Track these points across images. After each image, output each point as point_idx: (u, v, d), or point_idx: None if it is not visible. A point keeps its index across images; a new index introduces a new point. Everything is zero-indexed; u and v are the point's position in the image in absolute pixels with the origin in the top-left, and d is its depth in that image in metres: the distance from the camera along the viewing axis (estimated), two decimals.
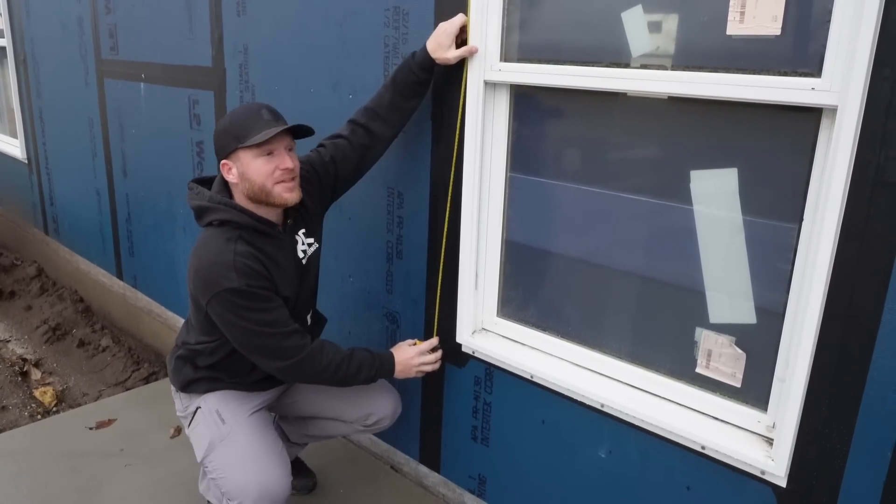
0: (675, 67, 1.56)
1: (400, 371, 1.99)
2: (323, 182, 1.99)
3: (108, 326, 4.18)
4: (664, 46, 1.59)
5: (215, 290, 1.70)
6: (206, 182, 1.89)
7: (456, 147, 1.98)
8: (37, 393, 3.52)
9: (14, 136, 5.23)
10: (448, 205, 2.04)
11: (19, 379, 3.67)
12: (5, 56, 4.99)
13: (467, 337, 2.06)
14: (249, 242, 1.76)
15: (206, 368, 1.92)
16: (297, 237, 1.91)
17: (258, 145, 1.71)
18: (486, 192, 1.99)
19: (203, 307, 1.76)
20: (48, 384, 3.64)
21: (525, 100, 1.90)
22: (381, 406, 2.07)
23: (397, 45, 2.10)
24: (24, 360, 3.86)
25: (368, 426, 2.08)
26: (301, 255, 1.92)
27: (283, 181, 1.75)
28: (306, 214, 1.96)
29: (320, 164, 1.98)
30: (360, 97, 2.23)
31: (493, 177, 1.98)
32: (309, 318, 2.06)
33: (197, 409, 1.95)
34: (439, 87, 2.01)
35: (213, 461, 1.86)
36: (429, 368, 2.03)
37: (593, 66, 1.69)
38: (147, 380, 3.52)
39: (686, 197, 1.61)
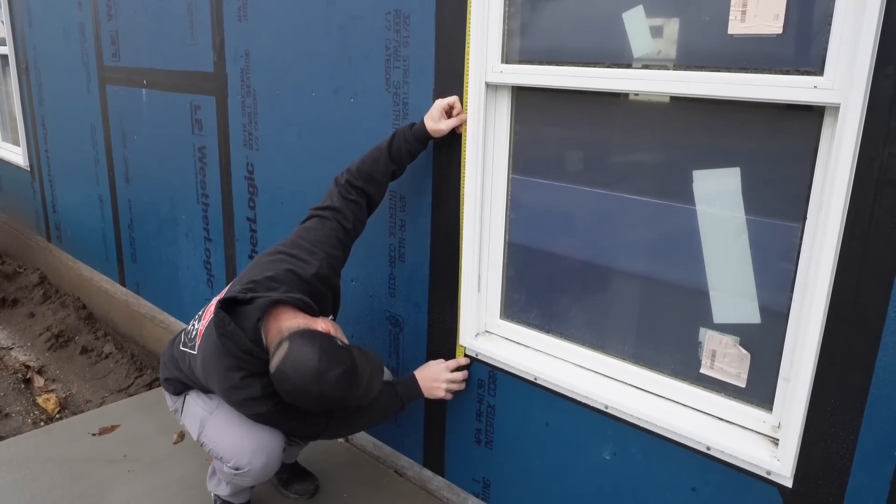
0: (676, 67, 1.56)
1: (427, 389, 2.01)
2: (338, 265, 1.95)
3: (111, 333, 4.18)
4: (666, 46, 1.59)
5: (252, 412, 1.77)
6: (233, 306, 1.73)
7: (463, 148, 1.98)
8: (40, 400, 3.51)
9: (16, 143, 5.24)
10: (450, 207, 2.04)
11: (22, 386, 3.67)
12: (7, 64, 5.00)
13: (470, 339, 2.06)
14: None
15: (198, 389, 1.98)
16: None
17: None
18: (488, 194, 1.99)
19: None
20: (51, 391, 3.64)
21: (527, 101, 1.90)
22: None
23: (398, 49, 2.10)
24: (27, 367, 3.86)
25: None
26: None
27: None
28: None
29: (345, 236, 1.92)
30: (361, 101, 2.24)
31: (495, 179, 1.98)
32: None
33: (185, 397, 1.99)
34: (440, 90, 2.01)
35: (207, 434, 1.91)
36: (456, 388, 2.04)
37: (595, 66, 1.69)
38: (150, 386, 3.52)
39: (689, 197, 1.61)
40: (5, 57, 5.02)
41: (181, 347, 1.97)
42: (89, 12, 3.71)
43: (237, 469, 1.87)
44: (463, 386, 2.07)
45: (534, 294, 2.00)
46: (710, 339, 1.63)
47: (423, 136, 1.94)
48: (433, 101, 2.04)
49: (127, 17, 3.38)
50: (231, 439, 1.86)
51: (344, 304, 2.50)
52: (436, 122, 1.92)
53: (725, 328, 1.60)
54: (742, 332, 1.58)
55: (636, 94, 1.67)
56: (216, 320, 1.69)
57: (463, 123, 1.94)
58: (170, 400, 2.06)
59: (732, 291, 1.58)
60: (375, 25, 2.14)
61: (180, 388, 2.02)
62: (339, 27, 2.25)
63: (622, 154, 1.75)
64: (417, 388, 2.01)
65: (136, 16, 3.31)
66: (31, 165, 4.94)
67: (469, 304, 2.05)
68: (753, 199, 1.52)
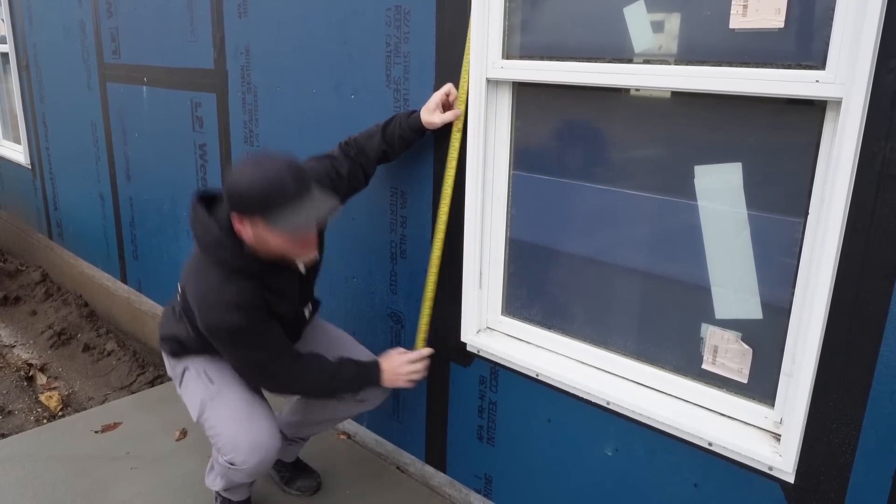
0: (677, 62, 1.56)
1: (388, 379, 1.97)
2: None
3: (113, 330, 4.19)
4: (667, 41, 1.59)
5: (216, 325, 1.73)
6: (210, 200, 1.79)
7: (452, 146, 1.98)
8: (42, 398, 3.52)
9: (17, 141, 5.25)
10: (451, 204, 2.03)
11: (25, 384, 3.68)
12: (8, 62, 5.00)
13: (472, 336, 2.06)
14: (255, 275, 1.74)
15: (195, 349, 1.96)
16: None
17: None
18: (489, 190, 1.98)
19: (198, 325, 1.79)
20: (54, 389, 3.65)
21: (528, 97, 1.89)
22: None
23: (399, 45, 2.09)
24: (30, 365, 3.87)
25: (359, 401, 2.07)
26: (303, 269, 1.90)
27: (303, 251, 1.73)
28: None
29: (336, 177, 1.94)
30: (361, 97, 2.23)
31: (496, 175, 1.97)
32: (307, 310, 2.06)
33: (185, 369, 1.98)
34: (441, 84, 2.01)
35: (207, 419, 1.93)
36: (418, 377, 2.01)
37: (596, 62, 1.68)
38: (152, 383, 3.52)
39: (691, 192, 1.61)
40: (6, 55, 5.02)
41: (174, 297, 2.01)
42: (89, 9, 3.71)
43: (232, 464, 1.87)
44: (425, 374, 2.03)
45: (535, 290, 2.00)
46: (712, 335, 1.62)
47: (417, 126, 1.95)
48: None
49: (127, 14, 3.38)
50: (230, 431, 1.87)
51: (345, 301, 2.50)
52: (430, 114, 1.93)
53: (727, 324, 1.60)
54: (744, 328, 1.58)
55: (637, 90, 1.66)
56: (190, 212, 1.75)
57: (457, 119, 1.93)
58: (169, 365, 2.04)
59: (734, 287, 1.57)
60: (376, 21, 2.13)
61: (176, 347, 1.97)
62: (339, 23, 2.25)
63: (623, 149, 1.75)
64: (379, 375, 1.96)
65: (136, 13, 3.31)
66: (32, 163, 4.95)
67: (470, 301, 2.05)
68: (755, 194, 1.52)
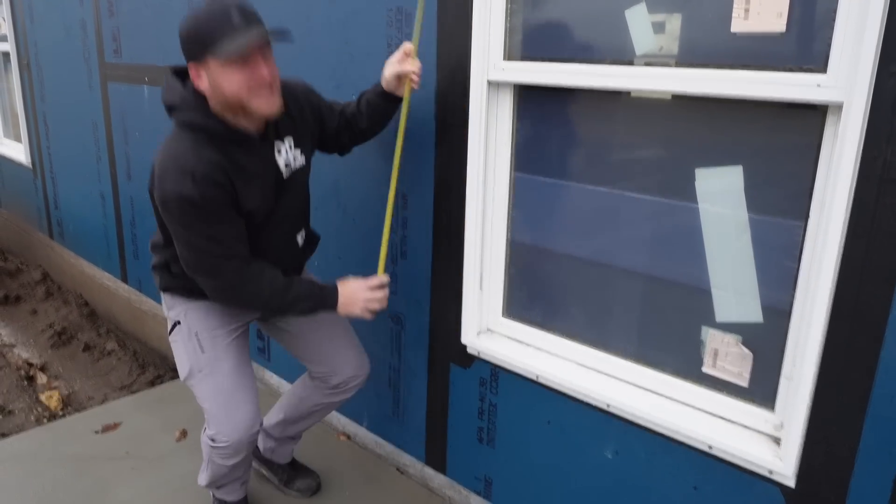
0: (679, 65, 1.56)
1: (344, 304, 1.87)
2: (324, 115, 1.95)
3: (114, 330, 4.19)
4: (668, 44, 1.59)
5: (169, 194, 1.63)
6: (185, 73, 1.72)
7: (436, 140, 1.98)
8: (43, 397, 3.52)
9: (18, 140, 5.25)
10: (452, 205, 2.03)
11: (25, 383, 3.68)
12: (9, 61, 5.00)
13: (472, 338, 2.06)
14: (219, 149, 1.66)
15: (182, 276, 1.85)
16: (280, 145, 1.80)
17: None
18: (490, 192, 1.98)
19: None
20: (54, 388, 3.65)
21: (529, 99, 1.89)
22: (342, 365, 2.05)
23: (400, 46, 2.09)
24: (30, 364, 3.87)
25: (332, 388, 2.06)
26: (283, 166, 1.81)
27: (260, 92, 1.61)
28: (298, 123, 1.85)
29: (329, 110, 1.95)
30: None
31: (497, 177, 1.97)
32: (300, 237, 1.99)
33: (177, 322, 1.93)
34: (442, 87, 2.01)
35: (193, 387, 1.93)
36: (377, 306, 1.90)
37: (597, 64, 1.68)
38: (153, 383, 3.52)
39: (691, 195, 1.60)
40: (7, 54, 5.02)
41: None
42: (91, 9, 3.71)
43: (213, 440, 1.89)
44: (385, 304, 1.93)
45: (536, 292, 2.00)
46: (713, 338, 1.62)
47: (380, 87, 1.92)
48: (435, 98, 2.04)
49: (128, 13, 3.37)
50: (215, 408, 1.88)
51: None
52: (385, 69, 1.88)
53: (728, 327, 1.60)
54: (744, 331, 1.58)
55: (638, 92, 1.66)
56: (163, 83, 1.74)
57: (408, 77, 1.86)
58: (164, 304, 2.00)
59: (735, 290, 1.57)
60: (377, 22, 2.13)
61: (165, 276, 1.93)
62: (340, 23, 2.25)
63: (625, 152, 1.75)
64: (335, 299, 1.87)
65: (137, 12, 3.30)
66: (32, 162, 4.95)
67: (471, 302, 2.05)
68: (756, 197, 1.52)
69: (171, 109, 1.72)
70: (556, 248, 1.93)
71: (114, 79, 3.65)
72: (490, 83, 1.89)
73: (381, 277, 1.93)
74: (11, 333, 4.34)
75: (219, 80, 1.59)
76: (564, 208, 1.89)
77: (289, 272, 1.88)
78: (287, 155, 1.83)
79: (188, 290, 1.88)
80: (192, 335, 1.91)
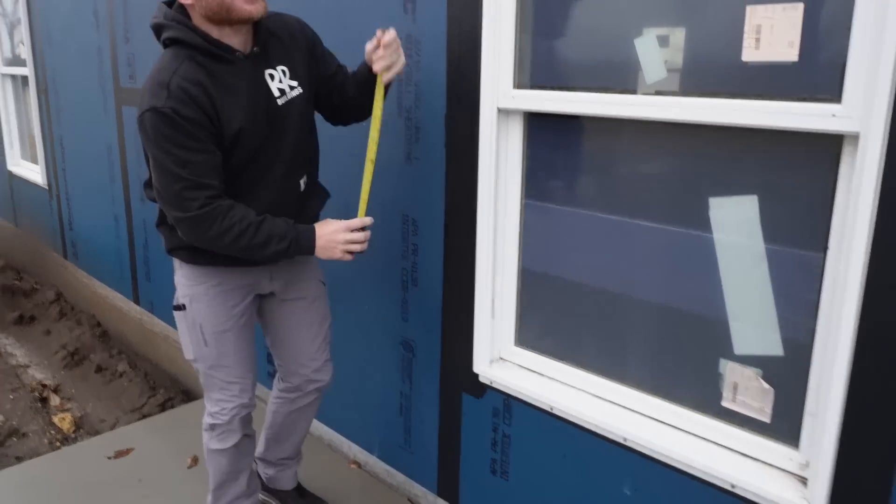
0: (689, 94, 1.53)
1: (323, 248, 1.76)
2: (319, 55, 1.90)
3: (125, 351, 4.20)
4: (678, 73, 1.57)
5: (143, 108, 1.59)
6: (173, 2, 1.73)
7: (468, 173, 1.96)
8: (56, 419, 3.53)
9: (35, 162, 5.31)
10: (463, 232, 2.02)
11: (39, 405, 3.69)
12: (27, 85, 5.07)
13: (484, 367, 2.03)
14: (202, 65, 1.63)
15: (182, 244, 1.82)
16: (272, 72, 1.76)
17: None
18: (501, 219, 1.96)
19: None
20: (67, 410, 3.65)
21: (539, 125, 1.87)
22: (302, 366, 2.06)
23: (410, 74, 2.09)
24: (44, 385, 3.88)
25: (292, 390, 2.10)
26: (277, 92, 1.76)
27: None
28: (292, 53, 1.81)
29: (326, 50, 1.93)
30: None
31: (508, 204, 1.95)
32: (303, 182, 1.89)
33: (182, 305, 1.92)
34: (451, 113, 2.00)
35: (197, 369, 1.98)
36: (358, 248, 1.78)
37: (607, 92, 1.67)
38: (163, 406, 3.52)
39: (705, 224, 1.57)
40: (25, 77, 5.09)
41: None
42: (106, 35, 3.75)
43: (211, 422, 1.99)
44: (365, 247, 1.80)
45: (549, 321, 1.97)
46: (731, 371, 1.58)
47: (365, 69, 1.84)
48: (444, 126, 2.02)
49: (143, 40, 3.41)
50: (217, 392, 1.97)
51: (355, 328, 2.48)
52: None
53: (747, 360, 1.56)
54: (764, 365, 1.54)
55: (649, 121, 1.64)
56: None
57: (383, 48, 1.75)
58: (174, 265, 1.97)
59: (753, 322, 1.54)
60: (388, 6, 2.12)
61: (169, 236, 1.87)
62: (349, 48, 2.23)
63: (636, 179, 1.72)
64: (312, 240, 1.76)
65: (151, 39, 3.30)
66: (48, 184, 5.00)
67: (483, 331, 2.02)
68: (772, 227, 1.48)
69: (157, 32, 1.72)
70: (569, 276, 1.90)
71: (128, 103, 3.68)
72: (500, 110, 1.87)
73: (363, 219, 1.81)
74: (26, 354, 4.36)
75: None
76: (576, 236, 1.86)
77: (294, 214, 1.81)
78: (281, 82, 1.77)
79: (189, 249, 1.82)
80: (196, 326, 1.90)
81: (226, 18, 1.63)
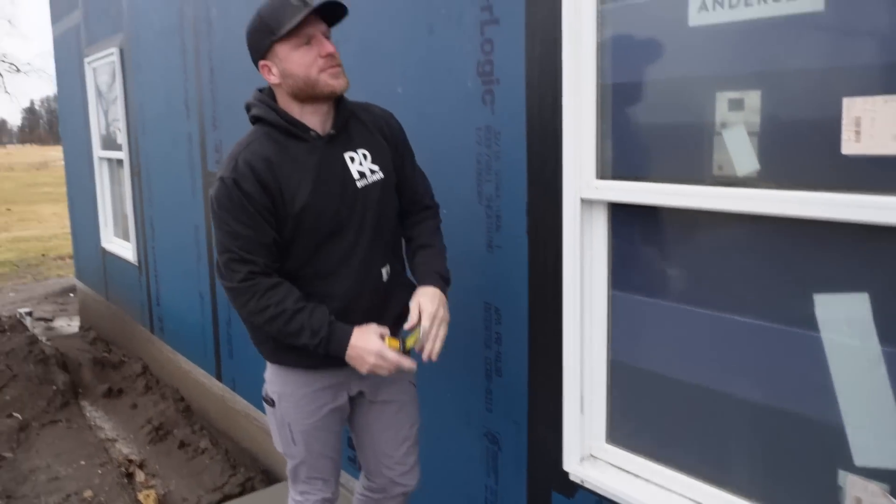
0: (784, 187, 1.47)
1: (352, 357, 1.70)
2: (402, 153, 1.95)
3: (207, 427, 4.28)
4: (771, 165, 1.52)
5: (215, 180, 1.69)
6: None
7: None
8: (140, 496, 3.60)
9: (126, 239, 5.63)
10: (548, 323, 1.98)
11: (125, 480, 3.78)
12: (122, 167, 5.43)
13: (575, 465, 1.95)
14: (276, 142, 1.70)
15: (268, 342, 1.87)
16: (353, 154, 1.79)
17: (295, 33, 1.64)
18: (587, 310, 1.92)
19: None
20: (151, 487, 3.73)
21: (625, 216, 1.84)
22: (388, 469, 2.02)
23: (490, 163, 2.11)
24: (130, 461, 3.99)
25: (377, 491, 2.07)
26: (356, 174, 1.77)
27: (327, 68, 1.68)
28: (374, 138, 1.85)
29: (411, 154, 1.99)
30: (454, 212, 2.24)
31: (594, 295, 1.91)
32: (385, 272, 1.86)
33: (271, 401, 1.92)
34: (533, 203, 2.00)
35: (287, 460, 1.99)
36: (383, 373, 1.72)
37: (695, 184, 1.63)
38: (243, 486, 3.54)
39: (811, 322, 1.49)
40: (121, 161, 5.46)
41: None
42: (196, 123, 4.00)
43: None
44: (388, 372, 1.73)
45: (642, 417, 1.89)
46: (853, 485, 1.46)
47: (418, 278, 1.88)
48: (526, 215, 2.02)
49: (229, 127, 3.60)
50: (303, 485, 2.00)
51: (437, 417, 2.44)
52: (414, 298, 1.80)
53: (870, 473, 1.44)
54: (892, 479, 1.41)
55: (742, 214, 1.58)
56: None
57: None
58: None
59: (874, 430, 1.42)
60: (466, 139, 2.17)
61: (257, 334, 1.90)
62: (429, 139, 2.29)
63: (731, 274, 1.65)
64: (344, 346, 1.69)
65: (238, 125, 3.51)
66: (138, 260, 5.27)
67: (572, 426, 1.95)
68: (889, 328, 1.38)
69: (247, 112, 1.81)
70: (663, 371, 1.82)
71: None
72: (583, 200, 1.86)
73: (403, 361, 1.71)
74: (114, 427, 4.52)
75: (287, 64, 1.68)
76: (669, 329, 1.79)
77: (375, 317, 1.78)
78: (362, 165, 1.80)
79: (276, 350, 1.85)
80: (285, 424, 1.91)
81: (311, 95, 1.71)
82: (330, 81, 1.69)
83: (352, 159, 1.79)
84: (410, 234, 1.98)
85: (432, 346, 1.73)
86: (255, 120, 1.77)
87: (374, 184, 1.81)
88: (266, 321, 1.69)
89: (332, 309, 1.74)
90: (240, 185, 1.64)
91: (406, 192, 1.96)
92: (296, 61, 1.67)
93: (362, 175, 1.79)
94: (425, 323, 1.71)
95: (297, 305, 1.67)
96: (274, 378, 1.93)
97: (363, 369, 1.72)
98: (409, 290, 1.94)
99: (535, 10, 1.91)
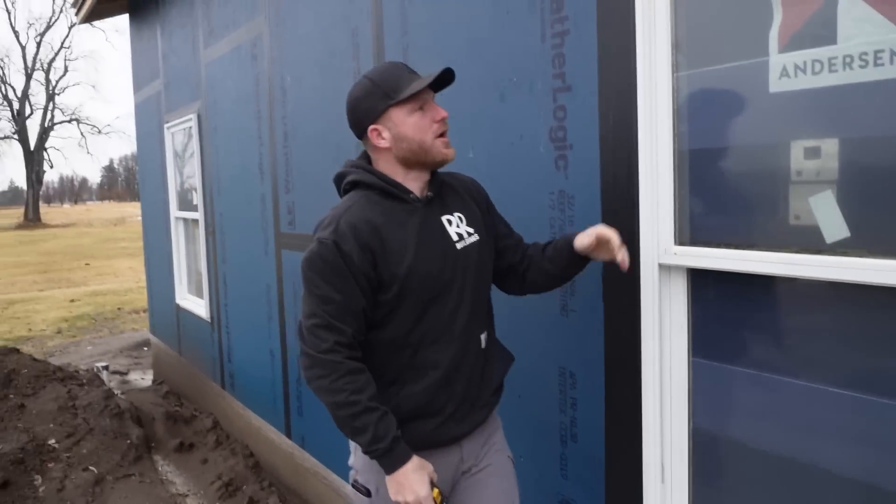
0: (877, 255, 1.43)
1: (397, 481, 1.61)
2: (494, 216, 1.97)
3: (276, 484, 4.32)
4: (862, 232, 1.48)
5: (312, 240, 1.67)
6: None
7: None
8: None
9: (200, 296, 5.84)
10: (626, 389, 1.95)
11: None
12: (197, 227, 5.69)
13: None
14: (377, 204, 1.70)
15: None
16: (450, 217, 1.79)
17: (413, 98, 1.67)
18: (667, 377, 1.88)
19: None
20: None
21: (705, 282, 1.82)
22: None
23: (563, 227, 2.13)
24: None
25: None
26: (455, 236, 1.76)
27: (441, 134, 1.71)
28: (466, 202, 1.87)
29: (516, 251, 1.94)
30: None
31: (673, 361, 1.88)
32: (483, 338, 1.82)
33: (367, 490, 1.77)
34: (609, 268, 1.99)
35: None
36: None
37: (781, 252, 1.60)
38: None
39: None
40: (196, 221, 5.73)
41: None
42: (269, 185, 4.18)
43: None
44: None
45: (729, 492, 1.81)
46: None
47: (568, 243, 1.83)
48: (602, 281, 2.02)
49: (302, 190, 3.75)
50: None
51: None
52: (580, 239, 1.79)
53: None
54: None
55: (832, 282, 1.54)
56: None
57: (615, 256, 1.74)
58: (351, 447, 1.87)
59: None
60: (539, 203, 2.20)
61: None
62: (500, 203, 2.32)
63: (824, 342, 1.60)
64: (400, 466, 1.61)
65: (310, 189, 3.67)
66: (211, 317, 5.46)
67: (652, 496, 1.89)
68: None
69: (338, 182, 1.83)
70: (750, 442, 1.76)
71: (287, 246, 4.01)
72: (661, 266, 1.85)
73: None
74: (184, 482, 4.61)
75: (403, 128, 1.69)
76: (757, 399, 1.74)
77: (475, 386, 1.76)
78: (459, 227, 1.80)
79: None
80: (372, 482, 1.76)
81: (421, 160, 1.73)
82: (443, 150, 1.73)
83: (449, 222, 1.79)
84: (531, 253, 1.94)
85: (623, 255, 1.73)
86: (353, 185, 1.77)
87: (472, 245, 1.80)
88: (333, 404, 1.60)
89: (434, 379, 1.70)
90: (340, 247, 1.61)
91: (509, 246, 1.95)
92: (412, 125, 1.68)
93: (460, 237, 1.78)
94: (612, 235, 1.74)
95: (370, 403, 1.60)
96: (370, 465, 1.75)
97: (395, 497, 1.64)
98: (506, 362, 1.94)
99: (608, 77, 1.95)
